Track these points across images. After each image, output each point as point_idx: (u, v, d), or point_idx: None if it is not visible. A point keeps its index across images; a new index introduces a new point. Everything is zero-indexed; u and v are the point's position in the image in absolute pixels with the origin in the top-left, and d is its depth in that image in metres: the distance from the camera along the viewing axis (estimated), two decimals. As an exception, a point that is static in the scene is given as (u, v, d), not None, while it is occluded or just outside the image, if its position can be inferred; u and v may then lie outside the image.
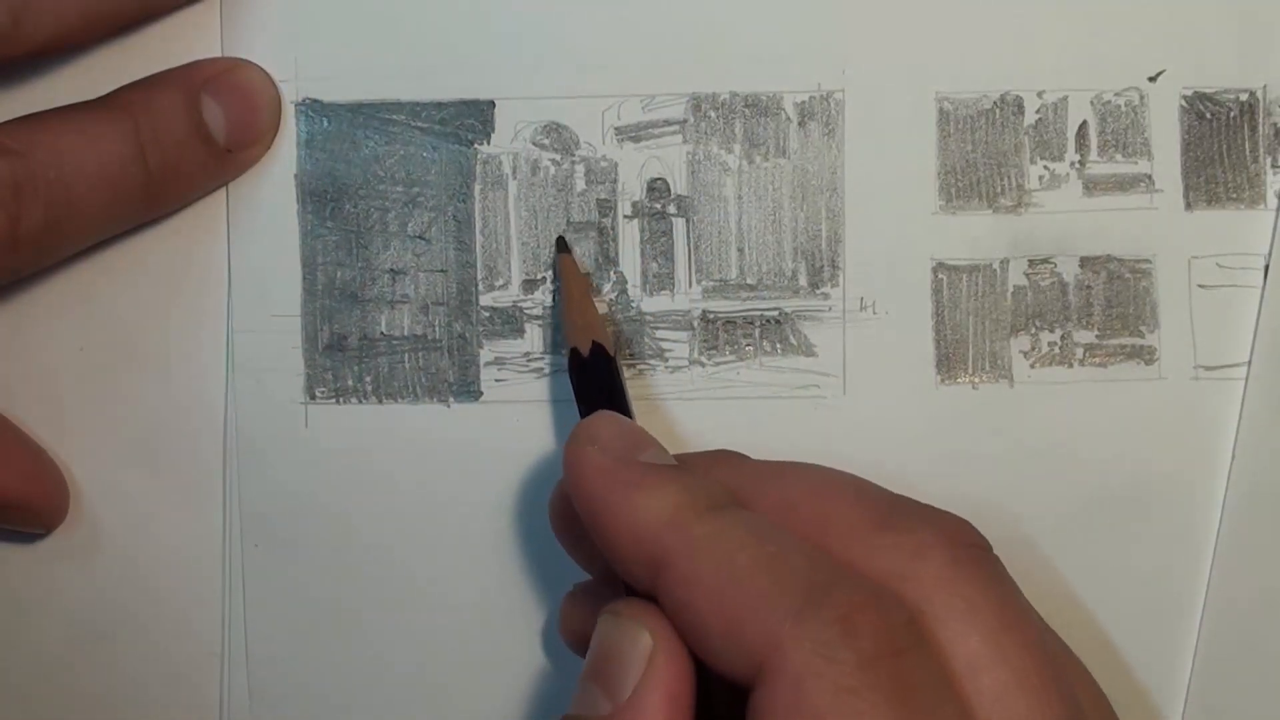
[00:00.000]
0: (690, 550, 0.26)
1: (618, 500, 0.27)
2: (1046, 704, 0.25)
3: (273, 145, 0.34)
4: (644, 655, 0.26)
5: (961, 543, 0.27)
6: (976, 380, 0.34)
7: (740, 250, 0.34)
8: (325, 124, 0.34)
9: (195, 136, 0.32)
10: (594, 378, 0.32)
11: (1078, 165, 0.34)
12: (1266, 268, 0.34)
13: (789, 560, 0.26)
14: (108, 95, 0.32)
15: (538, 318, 0.34)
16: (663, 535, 0.26)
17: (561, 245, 0.34)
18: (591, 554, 0.31)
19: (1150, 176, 0.34)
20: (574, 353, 0.32)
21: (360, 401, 0.34)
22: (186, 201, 0.34)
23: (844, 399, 0.34)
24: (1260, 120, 0.34)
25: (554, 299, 0.34)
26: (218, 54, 0.34)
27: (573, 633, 0.32)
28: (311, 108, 0.34)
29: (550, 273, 0.34)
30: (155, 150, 0.32)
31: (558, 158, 0.34)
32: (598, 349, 0.32)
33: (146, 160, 0.32)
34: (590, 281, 0.34)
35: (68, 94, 0.33)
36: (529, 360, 0.34)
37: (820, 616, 0.24)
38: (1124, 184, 0.34)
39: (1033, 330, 0.34)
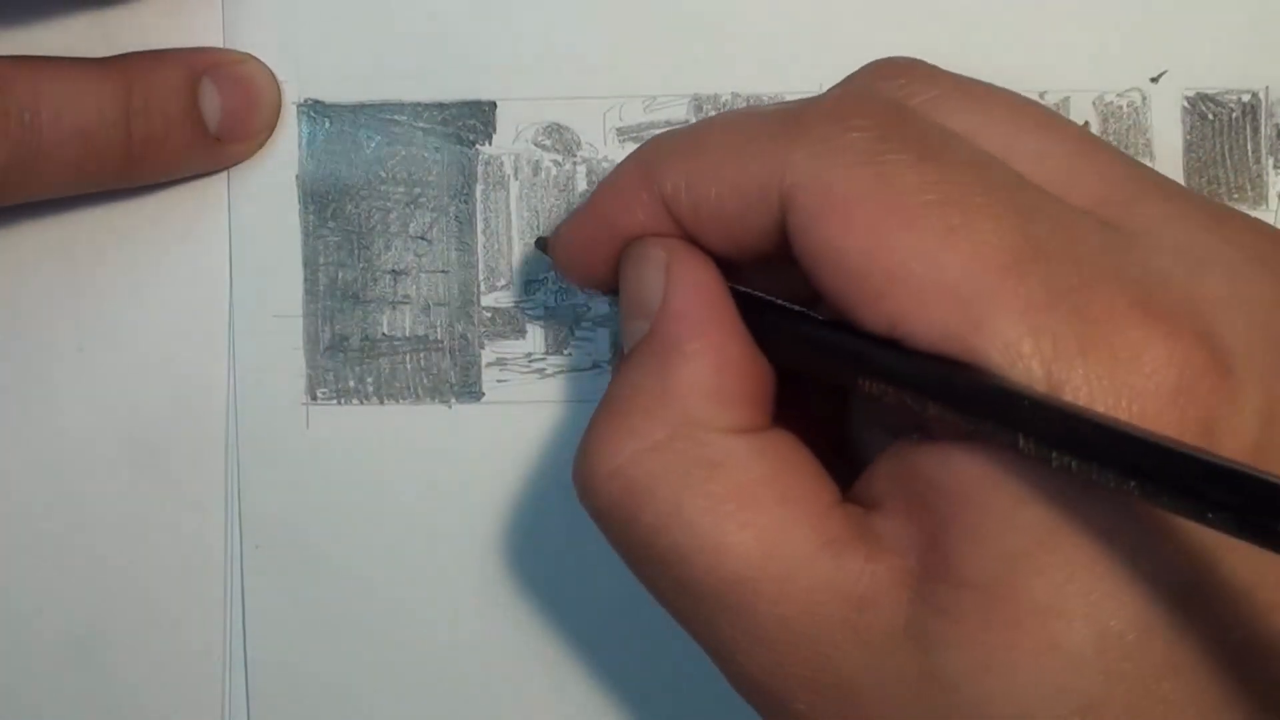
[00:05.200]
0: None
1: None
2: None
3: (275, 146, 0.34)
4: (662, 263, 0.26)
5: None
6: (979, 381, 0.34)
7: (742, 251, 0.34)
8: (327, 125, 0.34)
9: (187, 118, 0.32)
10: None
11: (1080, 166, 0.34)
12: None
13: (764, 110, 0.26)
14: (110, 57, 0.32)
15: (539, 318, 0.34)
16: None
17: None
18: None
19: (1152, 177, 0.34)
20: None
21: (362, 402, 0.34)
22: (167, 180, 0.33)
23: (846, 400, 0.34)
24: (1263, 121, 0.34)
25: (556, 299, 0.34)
26: (220, 54, 0.34)
27: None
28: (313, 108, 0.34)
29: (551, 274, 0.34)
30: (142, 120, 0.32)
31: (559, 159, 0.34)
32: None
33: (130, 127, 0.31)
34: None
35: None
36: (530, 361, 0.34)
37: (814, 130, 0.24)
38: (1126, 185, 0.34)
39: (1035, 331, 0.34)
